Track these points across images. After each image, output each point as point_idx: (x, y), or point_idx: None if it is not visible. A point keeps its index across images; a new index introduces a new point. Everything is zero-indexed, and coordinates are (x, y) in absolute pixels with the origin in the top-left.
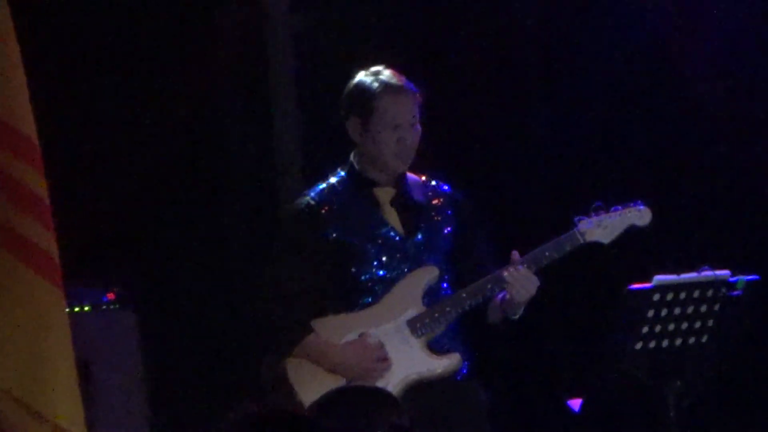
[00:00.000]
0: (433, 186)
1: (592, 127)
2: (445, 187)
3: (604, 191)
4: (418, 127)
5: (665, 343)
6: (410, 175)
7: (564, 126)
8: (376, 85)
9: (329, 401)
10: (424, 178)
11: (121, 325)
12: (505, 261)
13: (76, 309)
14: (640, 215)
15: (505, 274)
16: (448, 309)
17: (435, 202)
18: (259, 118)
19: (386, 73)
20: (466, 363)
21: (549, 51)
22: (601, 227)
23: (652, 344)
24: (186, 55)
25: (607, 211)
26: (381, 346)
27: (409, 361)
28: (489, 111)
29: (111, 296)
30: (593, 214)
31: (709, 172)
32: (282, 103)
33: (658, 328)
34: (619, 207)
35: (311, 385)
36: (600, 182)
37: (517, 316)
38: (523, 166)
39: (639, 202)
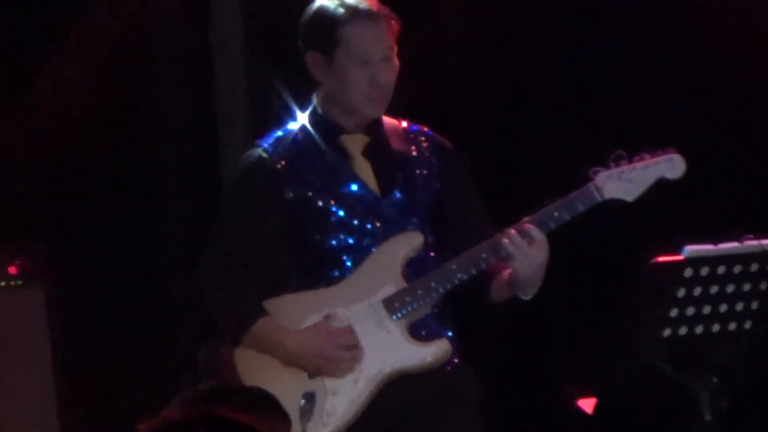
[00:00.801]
0: (415, 132)
1: (613, 61)
2: (430, 134)
3: (624, 139)
4: (396, 61)
5: (699, 329)
6: (386, 119)
7: (575, 59)
8: (341, 10)
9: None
10: (404, 123)
11: (26, 304)
12: (502, 225)
13: None
14: (671, 165)
15: (504, 240)
16: (433, 284)
17: (417, 151)
18: (193, 49)
19: None
20: (455, 350)
21: None
22: (624, 180)
23: (682, 331)
24: None
25: (631, 160)
26: (350, 330)
27: (386, 350)
28: (481, 43)
29: (13, 270)
30: (613, 164)
31: (758, 120)
32: (221, 28)
33: (690, 311)
34: (646, 155)
35: (265, 382)
36: (621, 129)
37: (529, 297)
38: (524, 107)
39: (669, 149)
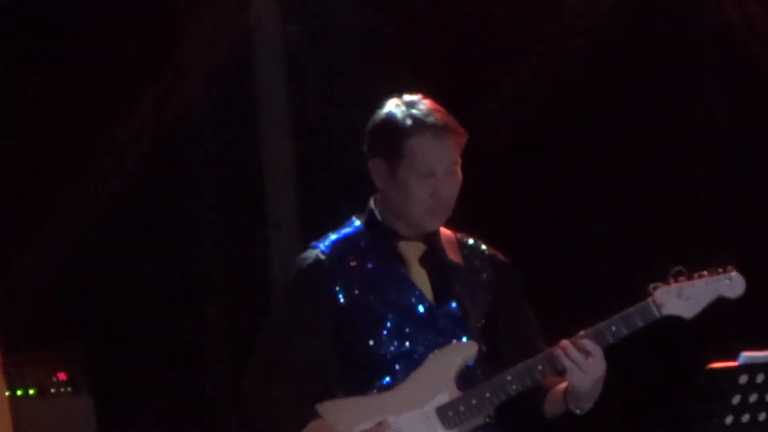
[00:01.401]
0: (470, 245)
1: (669, 175)
2: (484, 247)
3: (681, 255)
4: (459, 174)
5: None
6: (442, 229)
7: (634, 173)
8: (409, 122)
9: None
10: (458, 235)
11: (76, 411)
12: (556, 338)
13: (19, 392)
14: (731, 284)
15: (559, 352)
16: (488, 395)
17: (472, 263)
18: (244, 151)
19: (422, 106)
20: None
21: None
22: (683, 298)
23: None
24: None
25: (690, 277)
26: None
27: None
28: (538, 153)
29: (62, 377)
30: (672, 280)
31: None
32: (271, 131)
33: (745, 418)
34: (705, 273)
35: None
36: (678, 244)
37: (583, 411)
38: (578, 221)
39: (729, 267)
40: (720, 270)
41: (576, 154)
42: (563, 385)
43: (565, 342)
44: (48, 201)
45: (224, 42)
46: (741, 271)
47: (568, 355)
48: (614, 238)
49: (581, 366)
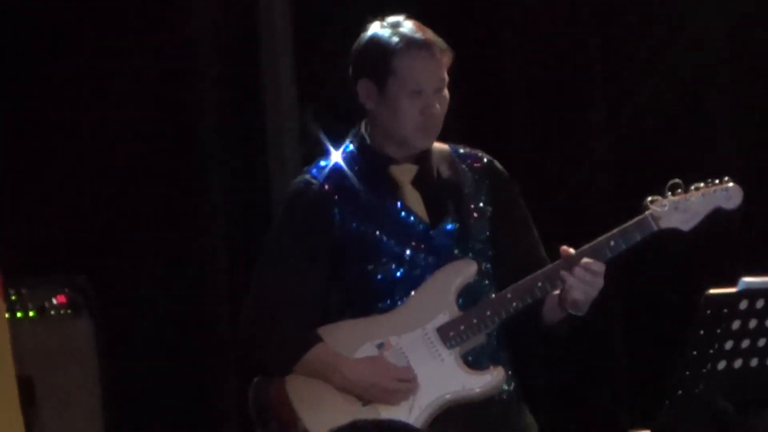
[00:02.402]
0: (464, 156)
1: (669, 89)
2: (480, 154)
3: (681, 167)
4: (447, 93)
5: (755, 362)
6: (436, 145)
7: (635, 85)
8: (395, 39)
9: None
10: (453, 147)
11: (74, 335)
12: (556, 255)
13: (18, 315)
14: (728, 195)
15: (563, 272)
16: (488, 313)
17: (468, 177)
18: (244, 85)
19: (408, 25)
20: (511, 380)
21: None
22: (680, 210)
23: (737, 364)
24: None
25: (687, 190)
26: (406, 362)
27: (440, 379)
28: (538, 68)
29: (61, 300)
30: (669, 193)
31: None
32: (273, 61)
33: (745, 344)
34: (701, 185)
35: (318, 408)
36: (677, 157)
37: (582, 313)
38: (577, 134)
39: (726, 178)
40: (717, 181)
41: (579, 72)
42: (557, 292)
43: (569, 264)
44: (55, 127)
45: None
46: (745, 186)
47: (574, 275)
48: (616, 152)
49: (583, 285)
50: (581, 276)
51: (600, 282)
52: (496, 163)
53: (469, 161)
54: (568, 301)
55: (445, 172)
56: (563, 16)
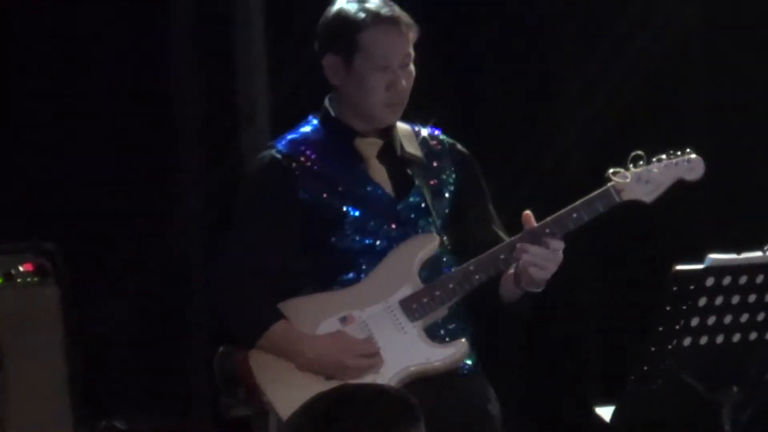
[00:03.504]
0: (429, 135)
1: (632, 59)
2: (443, 137)
3: (643, 141)
4: (413, 68)
5: (720, 339)
6: (400, 123)
7: (595, 58)
8: (362, 14)
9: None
10: (417, 127)
11: (41, 302)
12: (518, 228)
13: None
14: (689, 166)
15: (519, 245)
16: (451, 286)
17: (432, 155)
18: (215, 56)
19: (375, 0)
20: (473, 353)
21: None
22: (642, 182)
23: (703, 340)
24: None
25: (649, 161)
26: (369, 337)
27: (404, 351)
28: (496, 43)
29: (28, 267)
30: (631, 165)
31: None
32: (245, 36)
33: (711, 321)
34: (663, 156)
35: (282, 384)
36: (639, 131)
37: (540, 289)
38: (539, 108)
39: (688, 150)
40: (679, 153)
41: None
42: (511, 270)
43: (530, 233)
44: (27, 97)
45: None
46: (712, 161)
47: (529, 251)
48: (574, 123)
49: (543, 257)
50: (539, 253)
51: (559, 258)
52: (459, 145)
53: (432, 141)
54: (524, 278)
55: (409, 148)
56: (537, 2)
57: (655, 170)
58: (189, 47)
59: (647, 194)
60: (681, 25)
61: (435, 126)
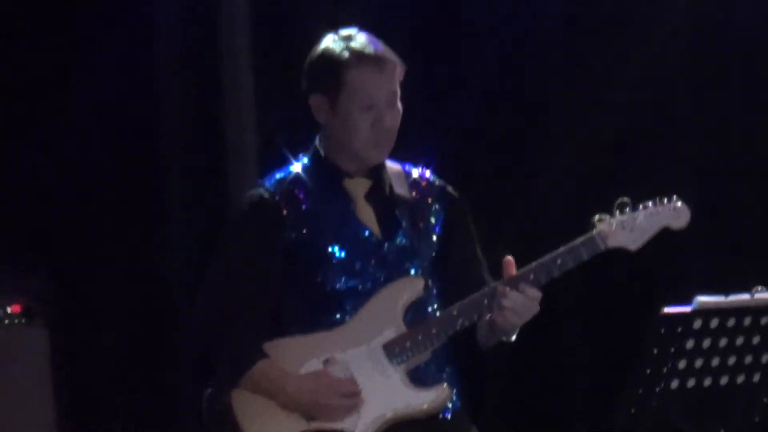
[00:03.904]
0: (417, 177)
1: (619, 106)
2: (432, 178)
3: (629, 187)
4: (399, 107)
5: (707, 381)
6: (388, 163)
7: (583, 105)
8: (346, 54)
9: None
10: (407, 167)
11: (30, 343)
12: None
13: None
14: (675, 214)
15: (500, 288)
16: (434, 330)
17: (420, 196)
18: (204, 92)
19: (360, 39)
20: (455, 397)
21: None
22: (627, 229)
23: (691, 383)
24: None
25: (635, 208)
26: (351, 378)
27: (385, 395)
28: (484, 86)
29: (17, 308)
30: (617, 212)
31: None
32: (233, 73)
33: (699, 363)
34: (649, 204)
35: (262, 424)
36: (625, 176)
37: (512, 339)
38: (527, 153)
39: (674, 197)
40: (665, 200)
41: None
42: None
43: (504, 285)
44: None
45: None
46: (700, 204)
47: (508, 297)
48: (569, 174)
49: (520, 304)
50: (517, 299)
51: (535, 308)
52: (449, 187)
53: (422, 182)
54: (498, 323)
55: (398, 189)
56: (523, 36)
57: (641, 218)
58: (177, 80)
59: (632, 242)
60: (665, 69)
61: (426, 166)
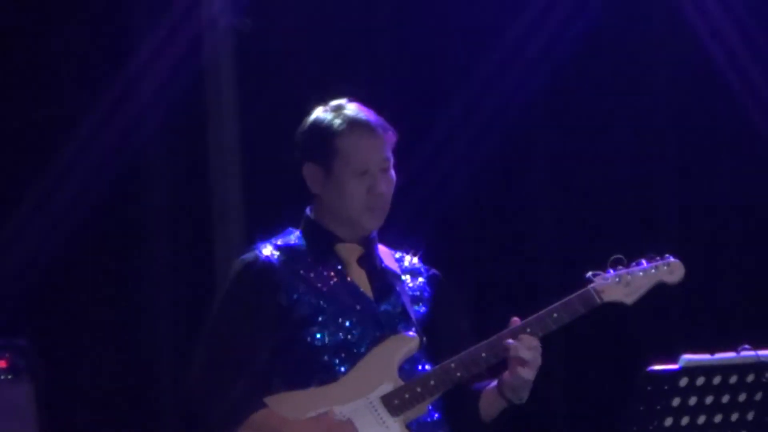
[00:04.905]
0: (409, 261)
1: (612, 166)
2: (419, 264)
3: (623, 246)
4: (393, 174)
5: None
6: (380, 247)
7: (573, 163)
8: (338, 122)
9: None
10: (396, 252)
11: (15, 399)
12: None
13: None
14: (669, 270)
15: (506, 342)
16: (432, 383)
17: (410, 274)
18: (189, 154)
19: (351, 107)
20: None
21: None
22: (622, 284)
23: None
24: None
25: (628, 265)
26: (351, 424)
27: None
28: (468, 143)
29: (2, 364)
30: (610, 269)
31: (756, 232)
32: (219, 137)
33: (685, 421)
34: (643, 261)
35: None
36: (616, 236)
37: (524, 400)
38: (519, 212)
39: (668, 255)
40: (658, 258)
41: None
42: (494, 383)
43: (512, 331)
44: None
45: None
46: (685, 264)
47: (517, 351)
48: (559, 229)
49: (526, 356)
50: (521, 348)
51: (538, 359)
52: (434, 270)
53: (410, 266)
54: (507, 385)
55: (388, 262)
56: (507, 94)
57: (636, 273)
58: (162, 143)
59: (627, 296)
60: (653, 127)
61: (414, 254)
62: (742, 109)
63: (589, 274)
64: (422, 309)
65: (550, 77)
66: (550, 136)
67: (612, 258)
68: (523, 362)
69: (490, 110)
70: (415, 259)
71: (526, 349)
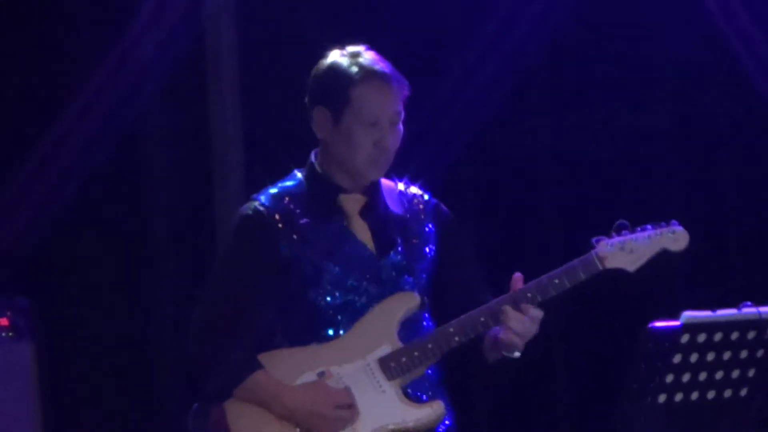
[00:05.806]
0: (412, 195)
1: (617, 131)
2: (427, 197)
3: (626, 209)
4: (401, 127)
5: (695, 396)
6: (384, 181)
7: (582, 127)
8: (354, 69)
9: None
10: (401, 185)
11: (15, 357)
12: (502, 290)
13: None
14: (674, 238)
15: (505, 307)
16: (430, 346)
17: (414, 215)
18: (189, 101)
19: (368, 56)
20: (450, 414)
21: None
22: (626, 251)
23: (678, 397)
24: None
25: (633, 230)
26: (346, 390)
27: (380, 410)
28: (481, 104)
29: (3, 322)
30: (615, 234)
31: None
32: (219, 84)
33: (686, 378)
34: (649, 227)
35: None
36: (623, 198)
37: (518, 355)
38: (525, 172)
39: (674, 222)
40: (663, 224)
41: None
42: (495, 330)
43: (512, 297)
44: None
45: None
46: (687, 229)
47: (511, 319)
48: (563, 191)
49: (523, 324)
50: (518, 319)
51: (532, 330)
52: (442, 205)
53: (415, 201)
54: (503, 342)
55: (393, 206)
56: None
57: (640, 240)
58: (163, 99)
59: (630, 263)
60: (654, 97)
61: (414, 182)
62: (743, 70)
63: (593, 239)
64: (427, 255)
65: (552, 35)
66: (556, 96)
67: (616, 223)
68: (515, 332)
69: (491, 71)
70: (420, 190)
71: (519, 321)
